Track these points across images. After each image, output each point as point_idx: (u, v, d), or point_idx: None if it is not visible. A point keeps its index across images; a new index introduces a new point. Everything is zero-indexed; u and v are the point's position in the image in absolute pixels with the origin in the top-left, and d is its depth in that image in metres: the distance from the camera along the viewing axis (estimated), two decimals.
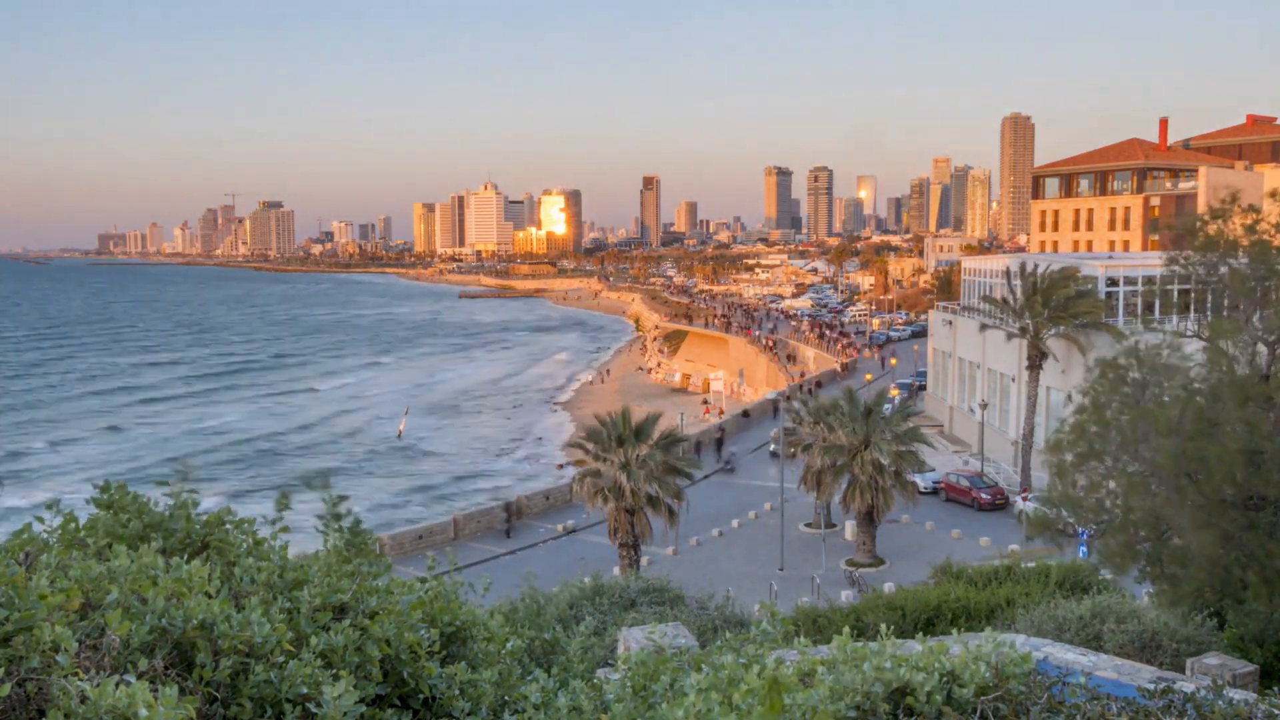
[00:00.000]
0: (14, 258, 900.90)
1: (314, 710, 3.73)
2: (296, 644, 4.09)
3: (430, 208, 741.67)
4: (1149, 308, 45.58)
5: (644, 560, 40.95)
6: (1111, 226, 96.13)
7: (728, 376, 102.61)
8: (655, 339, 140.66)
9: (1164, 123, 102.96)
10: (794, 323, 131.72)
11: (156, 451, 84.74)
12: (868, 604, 21.33)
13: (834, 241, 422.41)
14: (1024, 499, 45.94)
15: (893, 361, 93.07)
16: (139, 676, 3.49)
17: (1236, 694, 5.39)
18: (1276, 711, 4.90)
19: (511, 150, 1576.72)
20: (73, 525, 4.68)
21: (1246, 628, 16.17)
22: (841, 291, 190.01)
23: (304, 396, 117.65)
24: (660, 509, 39.19)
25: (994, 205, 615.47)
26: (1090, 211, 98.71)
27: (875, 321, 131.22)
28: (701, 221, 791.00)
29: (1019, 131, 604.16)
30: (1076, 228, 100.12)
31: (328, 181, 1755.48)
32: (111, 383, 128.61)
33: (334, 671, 3.97)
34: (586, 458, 40.43)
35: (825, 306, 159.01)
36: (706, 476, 55.04)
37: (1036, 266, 52.55)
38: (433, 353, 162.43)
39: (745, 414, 74.22)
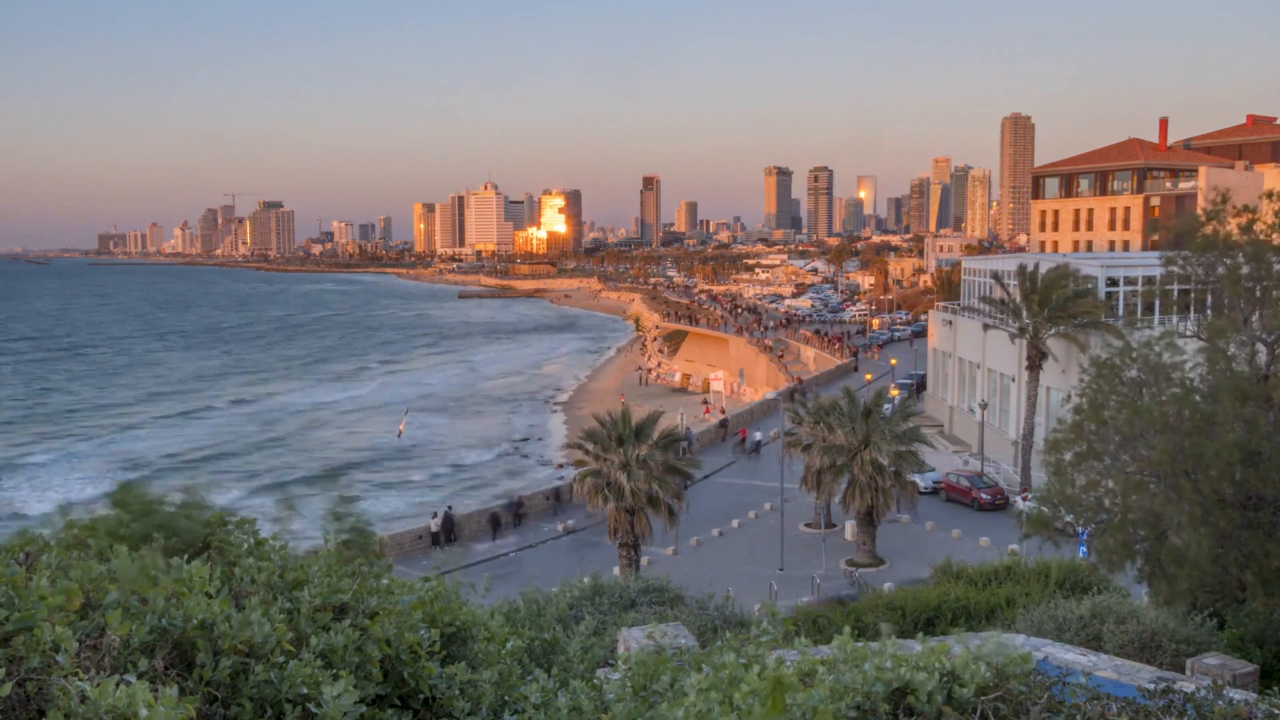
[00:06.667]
0: (14, 258, 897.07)
1: (314, 710, 3.73)
2: (296, 644, 4.09)
3: (430, 208, 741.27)
4: (1149, 308, 45.59)
5: (644, 560, 40.94)
6: (1111, 226, 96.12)
7: (728, 376, 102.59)
8: (655, 339, 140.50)
9: (1164, 123, 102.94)
10: (794, 324, 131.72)
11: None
12: (868, 604, 21.31)
13: (834, 241, 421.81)
14: (1024, 499, 45.92)
15: (893, 361, 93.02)
16: (139, 676, 3.49)
17: (1236, 694, 5.40)
18: (1276, 711, 4.90)
19: (511, 150, 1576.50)
20: (75, 527, 4.69)
21: (1246, 628, 16.15)
22: (841, 291, 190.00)
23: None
24: (660, 509, 39.18)
25: (994, 205, 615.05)
26: (1090, 211, 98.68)
27: (875, 321, 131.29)
28: (701, 221, 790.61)
29: (1019, 131, 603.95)
30: (1076, 228, 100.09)
31: (328, 181, 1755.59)
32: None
33: (334, 671, 3.97)
34: (586, 458, 40.40)
35: (826, 306, 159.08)
36: (711, 474, 54.94)
37: (1036, 266, 52.53)
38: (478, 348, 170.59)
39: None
